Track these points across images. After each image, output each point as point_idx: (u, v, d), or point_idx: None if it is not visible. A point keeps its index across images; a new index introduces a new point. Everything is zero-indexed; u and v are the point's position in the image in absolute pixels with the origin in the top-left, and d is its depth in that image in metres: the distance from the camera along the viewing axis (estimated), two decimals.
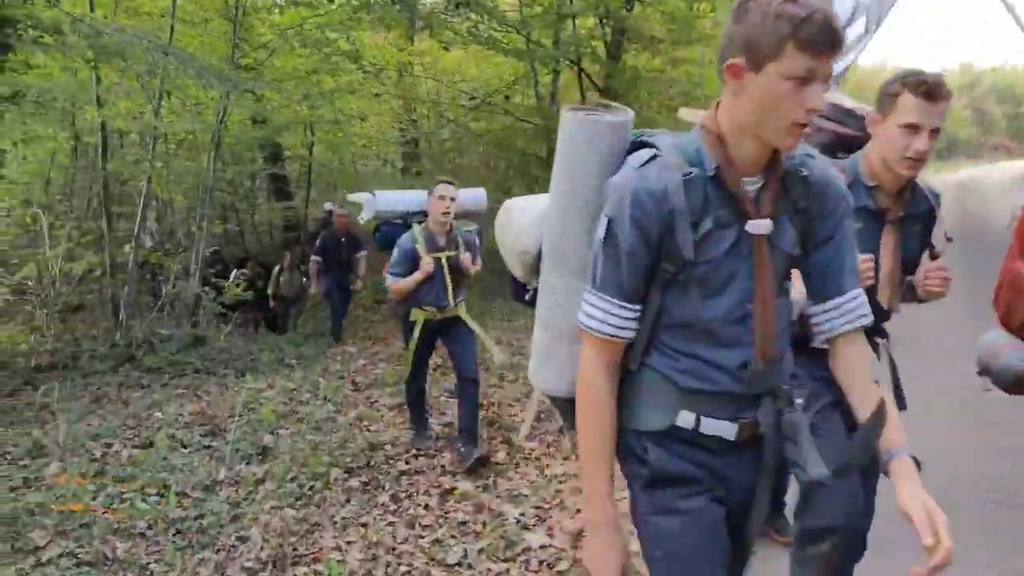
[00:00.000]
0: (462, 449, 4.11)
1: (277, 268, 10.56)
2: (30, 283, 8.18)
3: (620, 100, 11.00)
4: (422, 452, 4.38)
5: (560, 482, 3.84)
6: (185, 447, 4.52)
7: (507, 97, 11.15)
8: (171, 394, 5.84)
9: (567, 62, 11.08)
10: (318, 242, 8.58)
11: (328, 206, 9.44)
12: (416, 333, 4.19)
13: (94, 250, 10.63)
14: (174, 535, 3.38)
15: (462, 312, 4.25)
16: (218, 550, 3.24)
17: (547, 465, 4.10)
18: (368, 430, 4.85)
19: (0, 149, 9.45)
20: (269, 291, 10.44)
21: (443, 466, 4.16)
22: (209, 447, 4.53)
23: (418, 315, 4.19)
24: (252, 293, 10.49)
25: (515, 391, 5.48)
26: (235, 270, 11.08)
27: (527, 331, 3.04)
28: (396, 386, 5.85)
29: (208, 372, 6.63)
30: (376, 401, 5.56)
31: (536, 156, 11.94)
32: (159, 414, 5.08)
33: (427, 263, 4.06)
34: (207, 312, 9.01)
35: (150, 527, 3.42)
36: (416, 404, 4.53)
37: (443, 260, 4.15)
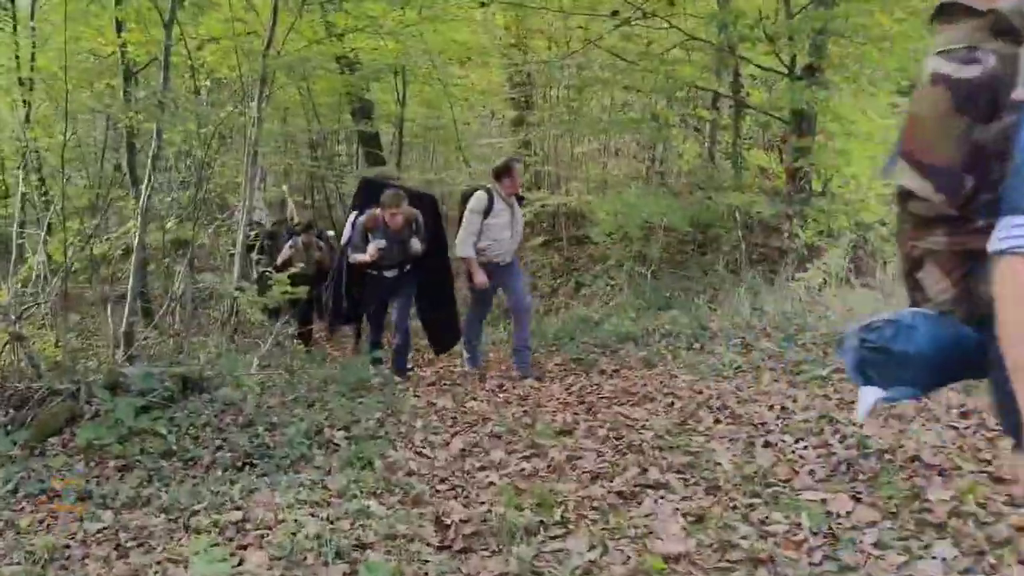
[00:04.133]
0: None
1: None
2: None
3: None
4: None
5: None
6: None
7: (671, 3, 7.61)
8: (59, 552, 2.79)
9: None
10: None
11: None
12: None
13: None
14: None
15: None
16: None
17: None
18: None
19: None
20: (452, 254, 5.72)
21: None
22: None
23: None
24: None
25: None
26: (352, 215, 5.82)
27: None
28: (529, 540, 2.63)
29: (182, 459, 3.58)
30: None
31: (708, 91, 8.34)
32: None
33: None
34: (240, 320, 6.15)
35: None
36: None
37: None
